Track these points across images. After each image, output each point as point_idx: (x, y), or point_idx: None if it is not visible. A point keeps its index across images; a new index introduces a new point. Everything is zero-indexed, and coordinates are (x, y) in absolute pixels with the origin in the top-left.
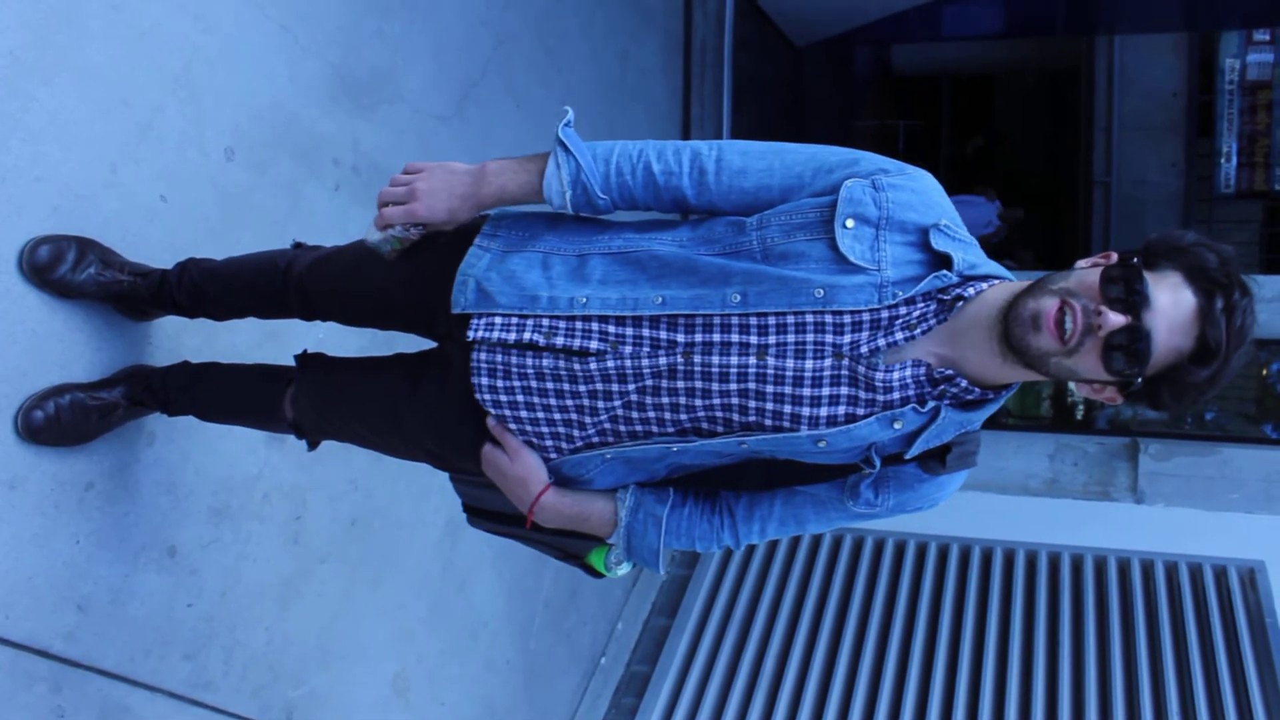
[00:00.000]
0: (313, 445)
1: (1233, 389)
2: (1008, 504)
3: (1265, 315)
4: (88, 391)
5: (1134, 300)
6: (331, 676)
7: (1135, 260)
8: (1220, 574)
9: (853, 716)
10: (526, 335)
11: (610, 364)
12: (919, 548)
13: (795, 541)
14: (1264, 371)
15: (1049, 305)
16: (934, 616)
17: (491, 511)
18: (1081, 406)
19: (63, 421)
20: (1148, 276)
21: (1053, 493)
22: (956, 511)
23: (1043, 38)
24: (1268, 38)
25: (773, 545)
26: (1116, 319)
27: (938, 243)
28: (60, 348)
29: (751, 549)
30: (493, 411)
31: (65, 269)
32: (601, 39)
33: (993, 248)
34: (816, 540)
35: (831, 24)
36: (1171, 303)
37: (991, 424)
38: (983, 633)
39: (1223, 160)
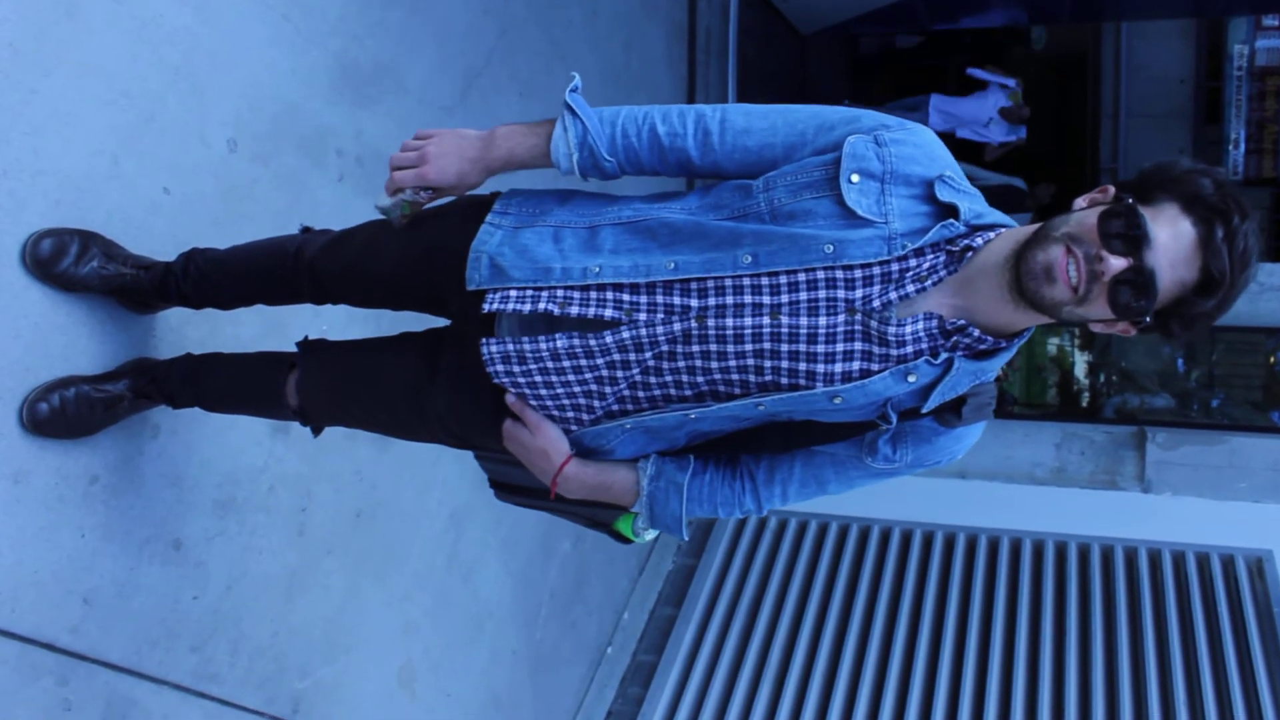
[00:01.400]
0: (317, 431)
1: (1240, 377)
2: (1014, 493)
3: (1273, 303)
4: (93, 384)
5: (1134, 240)
6: (337, 668)
7: (1130, 200)
8: (1228, 563)
9: (859, 705)
10: (541, 306)
11: (626, 335)
12: (925, 536)
13: (801, 528)
14: (1271, 359)
15: (1058, 255)
16: (940, 605)
17: (518, 486)
18: (1087, 394)
19: (68, 414)
20: (1145, 212)
21: (1059, 482)
22: (963, 500)
23: (1050, 25)
24: (1277, 23)
25: (779, 532)
26: (1118, 263)
27: (943, 194)
28: (63, 341)
29: (759, 535)
30: (511, 389)
31: (68, 262)
32: (605, 27)
33: (1010, 157)
34: (823, 527)
35: (837, 11)
36: (1171, 236)
37: (999, 413)
38: (989, 621)
39: (1231, 147)
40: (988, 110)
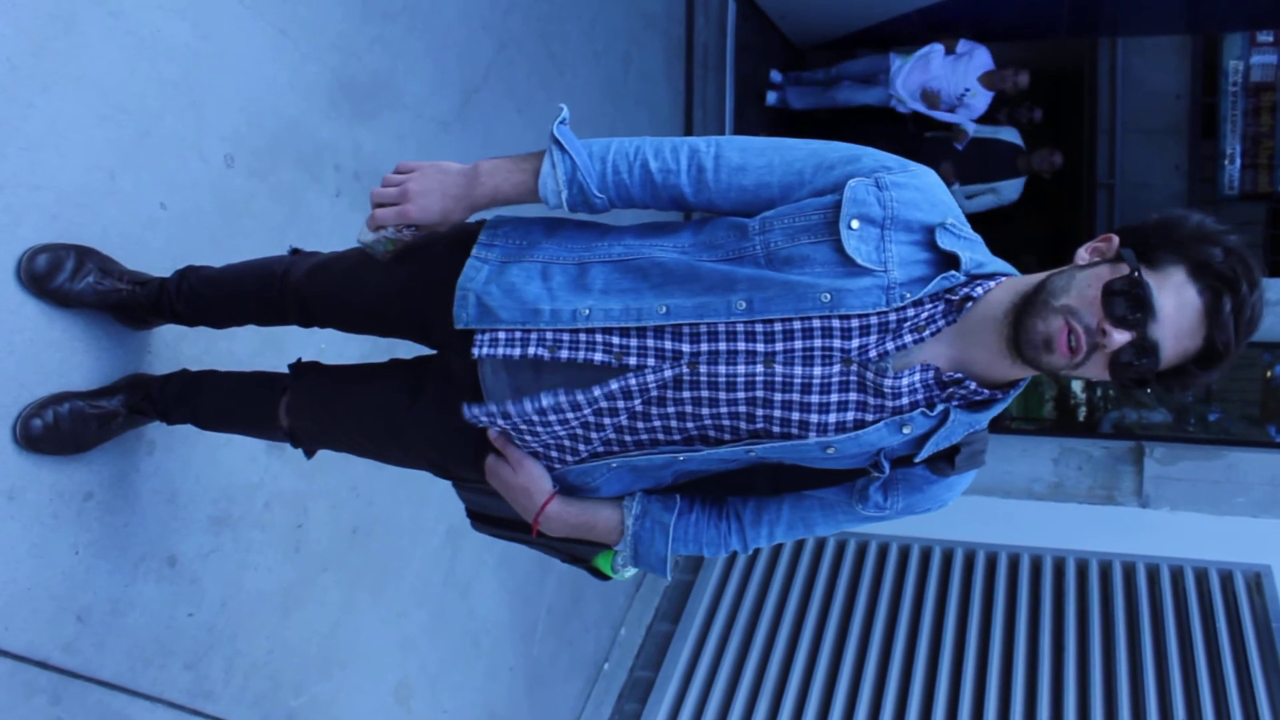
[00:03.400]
0: (309, 454)
1: (1237, 392)
2: (1012, 508)
3: (1270, 319)
4: (87, 400)
5: (1138, 315)
6: (333, 685)
7: (1137, 273)
8: (1226, 578)
9: None
10: (531, 350)
11: (614, 386)
12: (923, 552)
13: (799, 546)
14: (1269, 374)
15: (1057, 327)
16: (938, 621)
17: (496, 517)
18: (1084, 409)
19: (62, 430)
20: (1150, 279)
21: (1057, 497)
22: (961, 516)
23: (1046, 40)
24: (1271, 39)
25: (776, 550)
26: (1121, 337)
27: (944, 242)
28: (58, 357)
29: (756, 552)
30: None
31: (64, 278)
32: (603, 43)
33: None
34: (820, 545)
35: (833, 27)
36: (1176, 308)
37: (996, 428)
38: (987, 638)
39: (1226, 162)
40: (965, 77)
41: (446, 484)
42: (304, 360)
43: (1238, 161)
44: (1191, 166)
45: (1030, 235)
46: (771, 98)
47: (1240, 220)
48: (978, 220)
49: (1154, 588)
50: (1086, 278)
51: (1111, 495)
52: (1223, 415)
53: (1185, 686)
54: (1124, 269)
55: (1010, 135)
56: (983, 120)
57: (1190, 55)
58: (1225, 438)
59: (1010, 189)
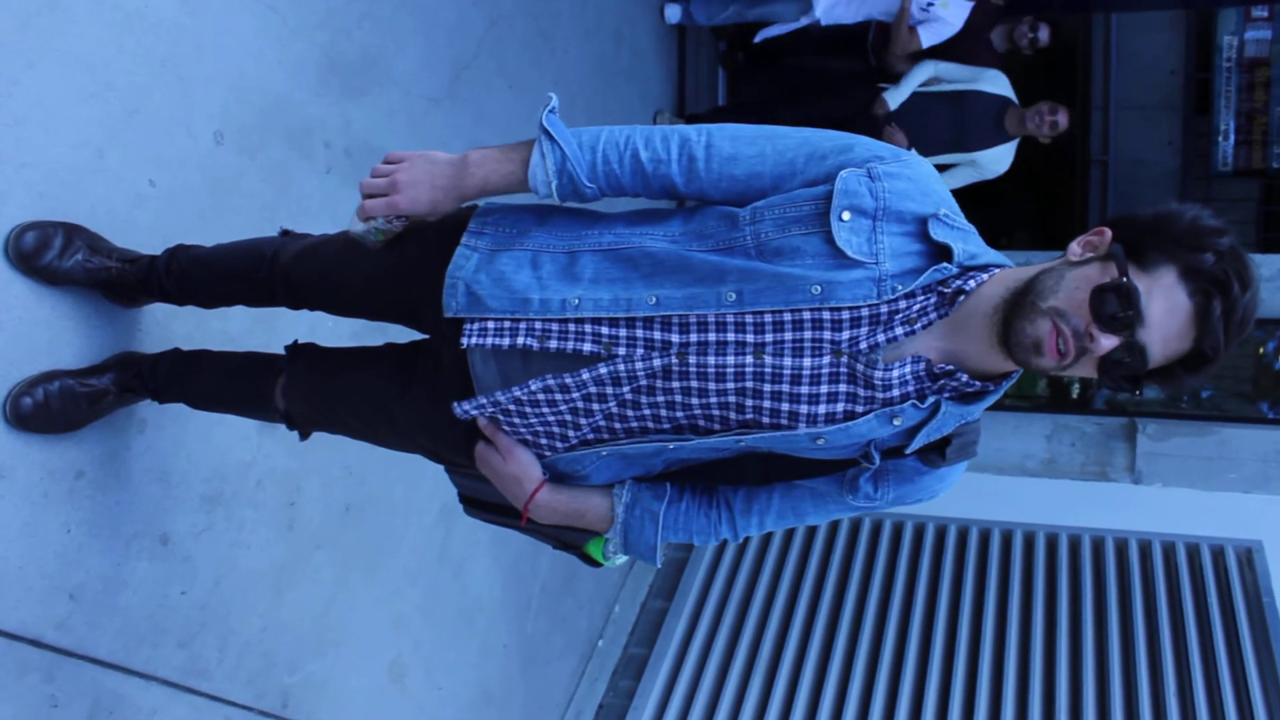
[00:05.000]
0: (304, 436)
1: (1229, 369)
2: (1005, 485)
3: (1263, 294)
4: (77, 378)
5: (1127, 320)
6: (327, 663)
7: (1126, 278)
8: (1218, 554)
9: (850, 697)
10: (520, 340)
11: (604, 371)
12: (916, 529)
13: None
14: (1260, 350)
15: (1045, 330)
16: (931, 597)
17: (487, 502)
18: (1077, 385)
19: (52, 408)
20: (1140, 282)
21: (1050, 473)
22: (954, 493)
23: (1038, 15)
24: (1266, 14)
25: None
26: (1108, 341)
27: (937, 233)
28: (48, 335)
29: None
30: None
31: (52, 255)
32: (595, 19)
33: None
34: None
35: None
36: (1165, 311)
37: (990, 404)
38: (980, 614)
39: (1220, 138)
40: None
41: (440, 465)
42: (300, 342)
43: (1231, 138)
44: (1185, 143)
45: (1023, 213)
46: (673, 13)
47: (1234, 196)
48: (962, 195)
49: (1146, 564)
50: (1075, 279)
51: (1104, 471)
52: (1215, 392)
53: (1177, 661)
54: (1113, 270)
55: (995, 84)
56: (967, 49)
57: (1184, 30)
58: (1217, 414)
59: (994, 160)
